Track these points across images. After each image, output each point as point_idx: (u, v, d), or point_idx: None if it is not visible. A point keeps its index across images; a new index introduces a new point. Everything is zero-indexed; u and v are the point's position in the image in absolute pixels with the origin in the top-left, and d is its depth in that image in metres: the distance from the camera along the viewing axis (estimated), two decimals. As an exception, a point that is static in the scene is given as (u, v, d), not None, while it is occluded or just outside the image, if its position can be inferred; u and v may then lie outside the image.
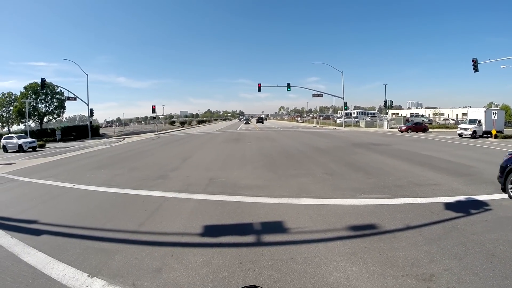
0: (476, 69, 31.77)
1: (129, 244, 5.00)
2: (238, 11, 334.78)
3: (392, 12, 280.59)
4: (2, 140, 29.48)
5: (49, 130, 46.15)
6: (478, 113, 29.44)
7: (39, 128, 48.83)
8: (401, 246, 4.57)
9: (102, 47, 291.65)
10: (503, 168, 7.52)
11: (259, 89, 47.78)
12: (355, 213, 6.23)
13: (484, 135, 27.87)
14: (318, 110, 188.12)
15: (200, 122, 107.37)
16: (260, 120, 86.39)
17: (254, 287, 1.79)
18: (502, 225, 5.40)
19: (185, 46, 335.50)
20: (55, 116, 52.87)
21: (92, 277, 3.92)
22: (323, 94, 56.45)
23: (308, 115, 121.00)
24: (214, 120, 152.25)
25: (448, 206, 6.55)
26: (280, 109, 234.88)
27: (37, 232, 5.71)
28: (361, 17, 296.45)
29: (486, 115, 28.34)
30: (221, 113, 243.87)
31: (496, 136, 26.48)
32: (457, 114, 73.45)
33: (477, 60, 31.63)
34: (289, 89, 48.73)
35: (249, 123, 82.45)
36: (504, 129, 31.77)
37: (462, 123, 33.00)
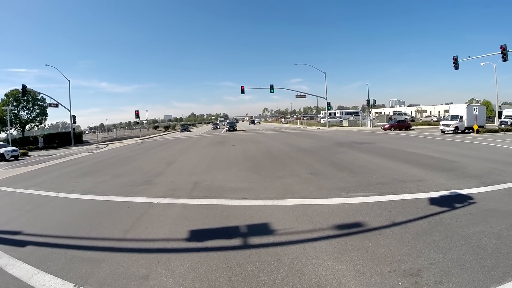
0: (456, 66, 32.67)
1: (115, 252, 4.90)
2: (221, 14, 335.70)
3: (374, 12, 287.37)
4: (-18, 150, 28.46)
5: (31, 138, 44.98)
6: (459, 109, 30.18)
7: (21, 136, 47.55)
8: (388, 242, 4.63)
9: (83, 52, 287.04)
10: None
11: (243, 92, 47.42)
12: (341, 212, 6.27)
13: (466, 131, 28.60)
14: (301, 110, 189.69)
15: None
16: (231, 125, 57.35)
17: None
18: (487, 217, 5.53)
19: (168, 50, 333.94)
20: (37, 124, 51.44)
21: (78, 287, 3.84)
22: (307, 95, 56.53)
23: (292, 116, 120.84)
24: (198, 123, 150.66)
25: (433, 201, 6.67)
26: (264, 111, 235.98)
27: (22, 243, 5.55)
28: (343, 17, 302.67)
29: (467, 111, 29.13)
30: (205, 116, 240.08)
31: (478, 131, 27.22)
32: (439, 111, 75.11)
33: (457, 57, 32.55)
34: (272, 90, 48.82)
35: (236, 129, 54.89)
36: (486, 124, 32.71)
37: (444, 119, 33.68)
